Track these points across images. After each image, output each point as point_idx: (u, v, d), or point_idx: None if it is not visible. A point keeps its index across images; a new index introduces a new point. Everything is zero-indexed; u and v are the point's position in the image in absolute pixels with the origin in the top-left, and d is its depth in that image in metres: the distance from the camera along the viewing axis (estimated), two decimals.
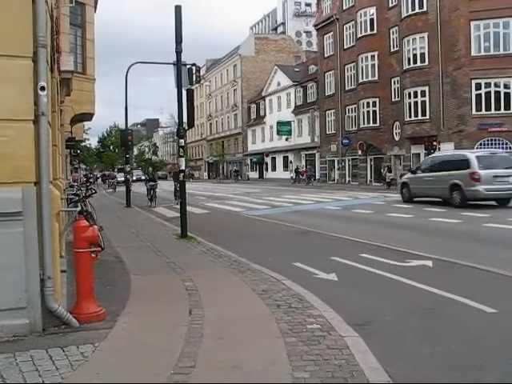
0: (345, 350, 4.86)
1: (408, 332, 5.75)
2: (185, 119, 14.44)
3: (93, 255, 6.03)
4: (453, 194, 20.81)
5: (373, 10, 45.48)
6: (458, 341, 5.40)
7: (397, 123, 43.12)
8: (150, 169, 33.48)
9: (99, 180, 77.07)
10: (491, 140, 35.48)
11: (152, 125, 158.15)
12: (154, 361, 4.70)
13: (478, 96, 35.72)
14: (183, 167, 14.81)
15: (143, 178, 78.97)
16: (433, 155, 26.79)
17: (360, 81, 46.72)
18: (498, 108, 35.25)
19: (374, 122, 45.72)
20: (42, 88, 5.50)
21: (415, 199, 23.46)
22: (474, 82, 35.71)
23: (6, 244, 5.29)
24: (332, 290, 7.70)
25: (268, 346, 5.03)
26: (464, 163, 20.71)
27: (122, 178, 77.31)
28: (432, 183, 22.33)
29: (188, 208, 15.07)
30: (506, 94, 35.11)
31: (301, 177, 55.85)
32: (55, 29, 8.79)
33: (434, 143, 36.20)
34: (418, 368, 4.73)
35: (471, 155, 21.09)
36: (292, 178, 57.90)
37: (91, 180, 54.88)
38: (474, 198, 20.35)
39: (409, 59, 39.66)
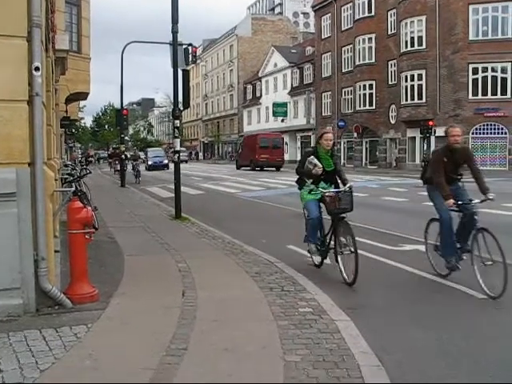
0: (336, 334, 4.90)
1: (400, 317, 5.80)
2: (180, 99, 14.39)
3: (86, 236, 6.03)
4: None
5: None
6: (449, 327, 5.46)
7: (393, 106, 43.06)
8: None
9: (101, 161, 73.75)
10: (487, 125, 35.56)
11: (147, 104, 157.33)
12: (146, 342, 4.73)
13: (475, 80, 35.72)
14: (178, 148, 14.75)
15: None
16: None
17: (357, 63, 46.57)
18: (494, 93, 35.31)
19: (370, 104, 45.65)
20: (37, 68, 5.45)
21: None
22: (471, 67, 35.69)
23: (0, 225, 5.29)
24: (325, 273, 7.74)
25: (260, 329, 5.07)
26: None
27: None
28: None
29: (183, 189, 15.08)
30: (503, 79, 35.19)
31: None
32: (50, 8, 8.70)
33: (430, 123, 36.19)
34: (409, 353, 4.78)
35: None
36: None
37: (90, 159, 53.15)
38: None
39: (406, 42, 39.51)
